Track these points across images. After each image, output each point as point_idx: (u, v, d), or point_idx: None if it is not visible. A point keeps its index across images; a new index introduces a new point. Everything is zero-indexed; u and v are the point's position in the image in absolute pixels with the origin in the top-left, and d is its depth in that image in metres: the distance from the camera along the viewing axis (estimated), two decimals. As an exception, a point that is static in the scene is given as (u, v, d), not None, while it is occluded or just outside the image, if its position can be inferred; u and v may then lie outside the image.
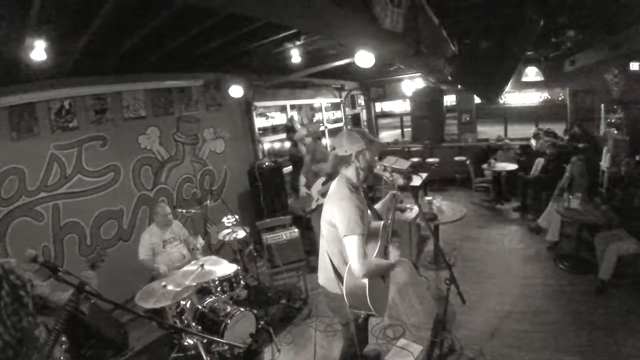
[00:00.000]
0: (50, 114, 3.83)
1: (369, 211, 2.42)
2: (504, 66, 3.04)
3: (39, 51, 2.86)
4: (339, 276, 2.26)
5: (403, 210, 4.97)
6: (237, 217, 4.18)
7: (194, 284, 3.24)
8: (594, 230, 4.30)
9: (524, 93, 7.99)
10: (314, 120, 8.15)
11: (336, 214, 2.16)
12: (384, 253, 2.40)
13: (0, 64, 3.11)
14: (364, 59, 3.91)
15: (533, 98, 8.05)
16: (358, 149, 2.22)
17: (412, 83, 8.08)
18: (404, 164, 5.57)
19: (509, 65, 3.06)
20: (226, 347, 3.24)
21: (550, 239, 4.92)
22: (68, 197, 3.95)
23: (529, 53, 4.71)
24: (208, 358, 3.14)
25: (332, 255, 2.30)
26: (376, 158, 2.35)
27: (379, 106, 10.36)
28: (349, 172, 2.30)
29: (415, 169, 7.22)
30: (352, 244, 2.06)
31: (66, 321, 1.78)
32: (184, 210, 4.36)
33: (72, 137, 3.99)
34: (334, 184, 2.36)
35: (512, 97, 8.21)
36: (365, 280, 2.09)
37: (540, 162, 6.42)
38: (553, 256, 4.76)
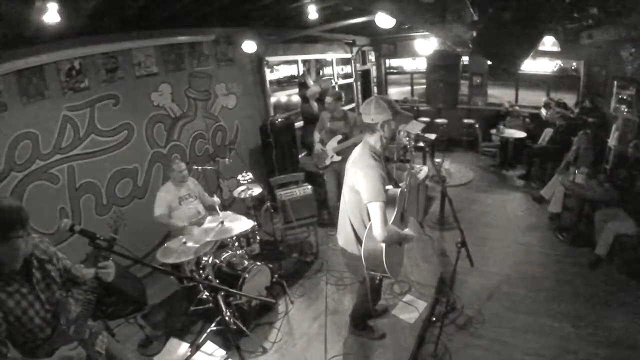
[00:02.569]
0: (60, 75, 3.72)
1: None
2: (527, 39, 2.99)
3: (52, 13, 2.74)
4: (358, 239, 2.43)
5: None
6: (250, 175, 4.28)
7: (215, 240, 3.32)
8: (595, 206, 4.40)
9: (538, 60, 7.72)
10: (321, 75, 8.00)
11: (361, 181, 2.26)
12: (401, 219, 2.54)
13: (9, 27, 2.98)
14: (384, 19, 3.77)
15: (546, 66, 7.83)
16: (384, 118, 2.29)
17: (426, 42, 7.82)
18: (416, 127, 5.57)
19: (531, 38, 3.00)
20: (243, 300, 3.42)
21: (552, 210, 5.04)
22: (83, 158, 3.96)
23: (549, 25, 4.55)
24: (226, 311, 3.34)
25: (353, 218, 2.45)
26: (400, 128, 2.42)
27: (388, 62, 10.09)
28: (373, 139, 2.38)
29: (424, 129, 7.22)
30: (375, 211, 2.18)
31: (97, 289, 1.81)
32: (199, 168, 4.44)
33: (83, 97, 3.91)
34: (357, 150, 2.45)
35: (526, 63, 7.87)
36: (383, 245, 2.24)
37: (548, 132, 6.40)
38: (553, 227, 4.91)
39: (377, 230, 2.18)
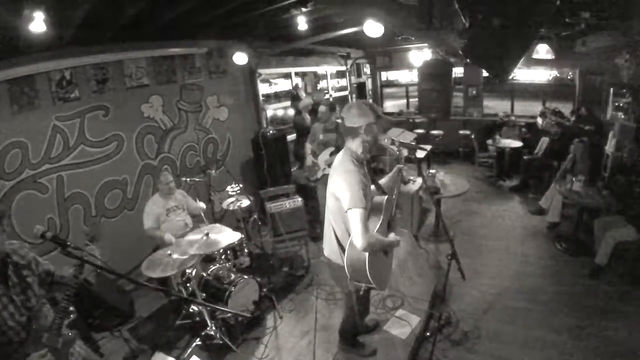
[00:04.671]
0: (51, 85, 3.74)
1: (372, 186, 2.44)
2: (517, 45, 2.95)
3: (38, 22, 2.75)
4: (342, 248, 2.33)
5: (406, 182, 4.99)
6: (240, 185, 4.22)
7: (199, 252, 3.26)
8: (594, 214, 4.31)
9: (533, 70, 7.77)
10: (318, 88, 8.02)
11: (340, 187, 2.18)
12: (387, 228, 2.44)
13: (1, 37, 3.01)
14: (373, 28, 3.78)
15: (542, 75, 7.84)
16: (367, 121, 2.21)
17: (420, 53, 7.86)
18: (409, 137, 5.53)
19: (522, 43, 2.96)
20: (230, 314, 3.33)
21: (551, 219, 4.94)
22: (72, 168, 3.94)
23: (541, 31, 4.55)
24: (212, 325, 3.26)
25: (336, 227, 2.36)
26: (382, 133, 2.34)
27: (384, 75, 10.14)
28: (354, 144, 2.29)
29: (419, 141, 7.18)
30: (355, 218, 2.08)
31: (71, 298, 1.80)
32: (188, 179, 4.39)
33: (73, 107, 3.92)
34: (338, 157, 2.38)
35: (521, 73, 8.01)
36: (366, 254, 2.14)
37: (545, 141, 6.37)
38: (552, 236, 4.80)
39: (357, 238, 2.08)
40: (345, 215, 2.17)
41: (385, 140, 2.32)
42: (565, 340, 3.07)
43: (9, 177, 3.52)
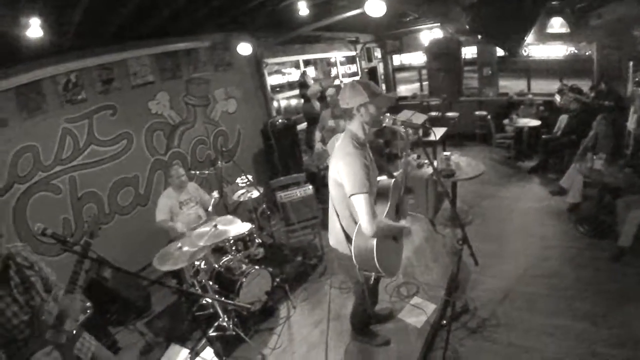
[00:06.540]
0: (58, 89, 3.80)
1: (377, 171, 2.35)
2: (525, 14, 2.77)
3: (34, 28, 2.78)
4: (348, 237, 2.26)
5: (420, 166, 4.88)
6: (250, 177, 4.20)
7: (209, 244, 3.27)
8: (617, 194, 4.05)
9: (549, 45, 7.34)
10: (332, 75, 7.91)
11: (342, 172, 2.10)
12: (395, 212, 2.37)
13: (2, 45, 3.04)
14: (374, 7, 3.69)
15: (558, 51, 7.43)
16: (360, 102, 2.12)
17: (430, 34, 7.61)
18: (420, 118, 5.36)
19: (530, 13, 2.79)
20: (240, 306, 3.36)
21: (571, 200, 4.72)
22: (83, 168, 4.02)
23: (553, 3, 4.28)
24: (225, 316, 3.28)
25: (341, 215, 2.28)
26: (383, 111, 2.24)
27: (397, 59, 9.89)
28: (354, 126, 2.22)
29: (433, 123, 6.98)
30: (360, 203, 2.01)
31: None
32: (198, 172, 4.40)
33: (81, 109, 3.99)
34: (339, 140, 2.28)
35: (536, 50, 7.61)
36: (374, 242, 2.07)
37: (564, 119, 6.06)
38: (573, 218, 4.58)
39: (364, 224, 2.01)
40: (349, 201, 2.10)
41: (387, 120, 2.21)
42: (587, 328, 2.92)
43: (23, 181, 3.61)
